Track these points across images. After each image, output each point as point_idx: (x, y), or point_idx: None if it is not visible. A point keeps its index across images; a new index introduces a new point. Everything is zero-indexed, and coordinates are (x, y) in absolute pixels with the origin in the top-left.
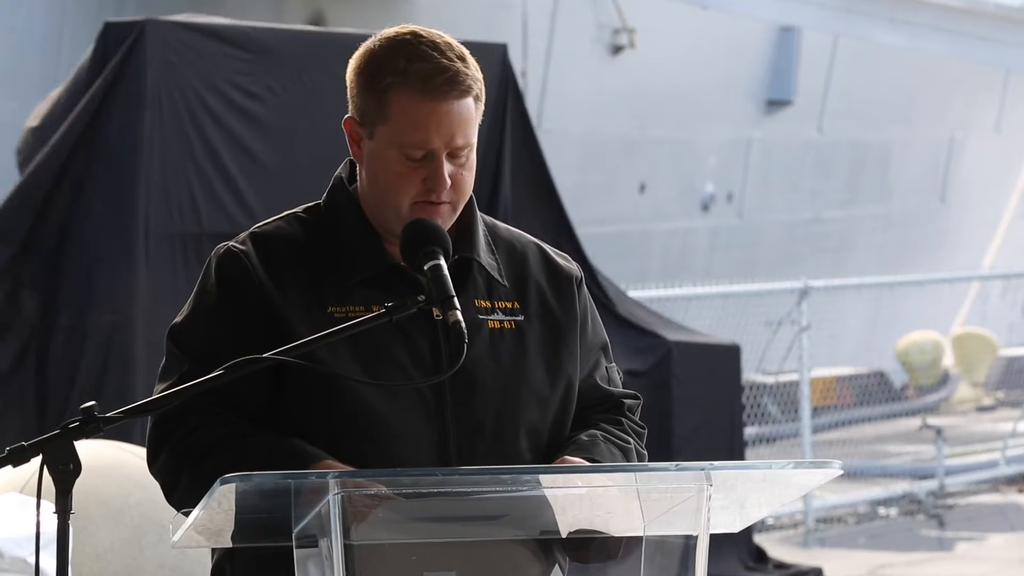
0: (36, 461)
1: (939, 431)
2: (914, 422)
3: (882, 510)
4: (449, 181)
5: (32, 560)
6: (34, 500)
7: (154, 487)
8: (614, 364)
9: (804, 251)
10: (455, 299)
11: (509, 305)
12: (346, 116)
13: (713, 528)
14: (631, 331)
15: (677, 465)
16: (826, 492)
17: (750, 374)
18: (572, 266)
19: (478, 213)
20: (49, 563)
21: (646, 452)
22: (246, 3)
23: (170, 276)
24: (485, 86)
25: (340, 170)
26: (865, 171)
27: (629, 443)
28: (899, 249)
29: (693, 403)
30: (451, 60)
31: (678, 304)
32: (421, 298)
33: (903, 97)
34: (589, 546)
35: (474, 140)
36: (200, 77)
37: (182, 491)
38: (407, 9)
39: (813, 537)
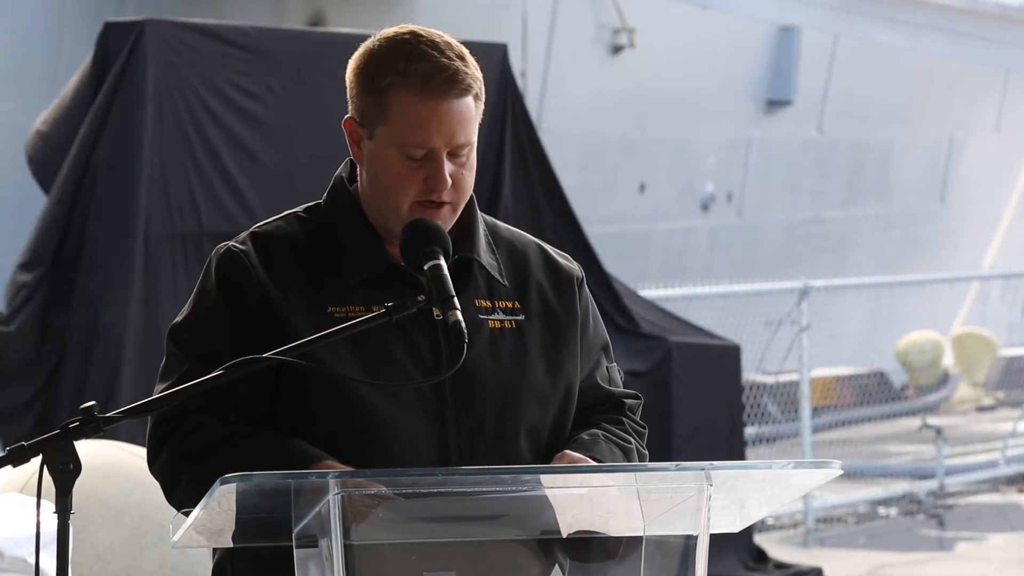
0: (36, 461)
1: (939, 431)
2: (914, 422)
3: (882, 510)
4: (450, 181)
5: (32, 560)
6: (34, 500)
7: (154, 487)
8: (615, 364)
9: (804, 251)
10: (455, 299)
11: (510, 305)
12: (346, 116)
13: (713, 528)
14: (632, 332)
15: (677, 465)
16: (826, 492)
17: (750, 374)
18: (573, 266)
19: (479, 213)
20: (49, 563)
21: (647, 452)
22: (246, 3)
23: (170, 276)
24: (485, 86)
25: (340, 170)
26: (865, 171)
27: (630, 443)
28: (899, 249)
29: (693, 403)
30: (451, 59)
31: (678, 304)
32: (421, 298)
33: (903, 97)
34: (589, 546)
35: (474, 139)
36: (200, 77)
37: (182, 491)
38: (407, 9)
39: (813, 537)
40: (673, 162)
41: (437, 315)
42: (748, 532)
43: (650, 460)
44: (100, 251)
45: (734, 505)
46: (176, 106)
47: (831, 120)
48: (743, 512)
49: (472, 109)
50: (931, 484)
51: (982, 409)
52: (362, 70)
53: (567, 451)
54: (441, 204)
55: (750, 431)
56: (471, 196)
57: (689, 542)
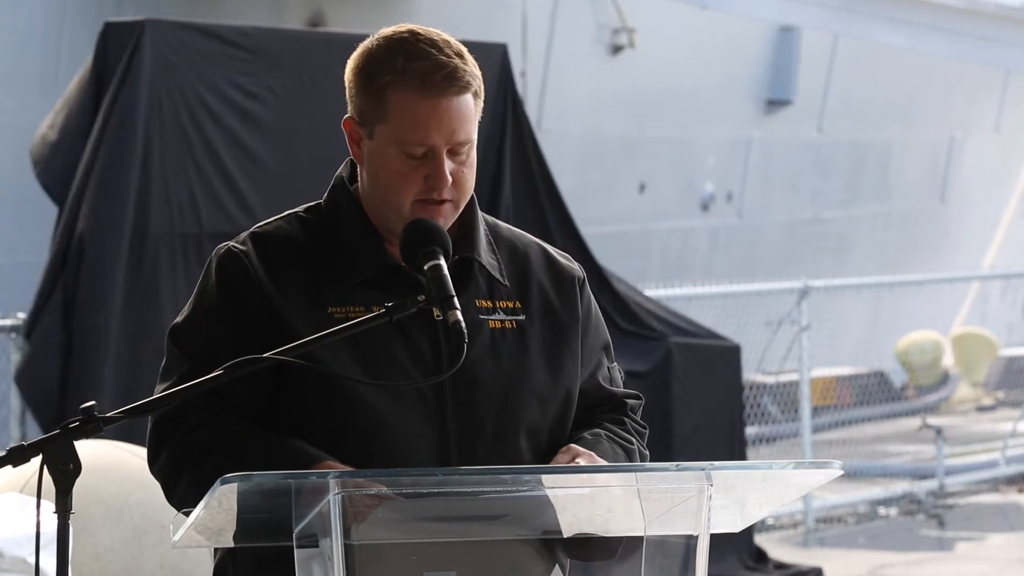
0: (36, 461)
1: (939, 431)
2: (914, 422)
3: (882, 510)
4: (450, 179)
5: (32, 560)
6: (34, 500)
7: (154, 487)
8: (615, 364)
9: (804, 251)
10: (455, 299)
11: (510, 305)
12: (345, 116)
13: (714, 528)
14: (632, 332)
15: (678, 465)
16: (826, 492)
17: (750, 374)
18: (574, 266)
19: (479, 212)
20: (49, 563)
21: (648, 452)
22: (246, 3)
23: (170, 276)
24: (484, 85)
25: (341, 170)
26: (865, 171)
27: (632, 443)
28: (899, 249)
29: (693, 403)
30: (449, 57)
31: (678, 304)
32: (421, 298)
33: (903, 97)
34: (590, 545)
35: (474, 137)
36: (200, 77)
37: (183, 491)
38: (406, 9)
39: (813, 537)
40: (673, 162)
41: (437, 315)
42: (748, 532)
43: (650, 460)
44: (100, 251)
45: (734, 505)
46: (176, 106)
47: (831, 120)
48: (743, 512)
49: (471, 107)
50: (931, 484)
51: (982, 409)
52: (361, 70)
53: (572, 444)
54: (442, 202)
55: (750, 431)
56: (472, 195)
57: (690, 542)
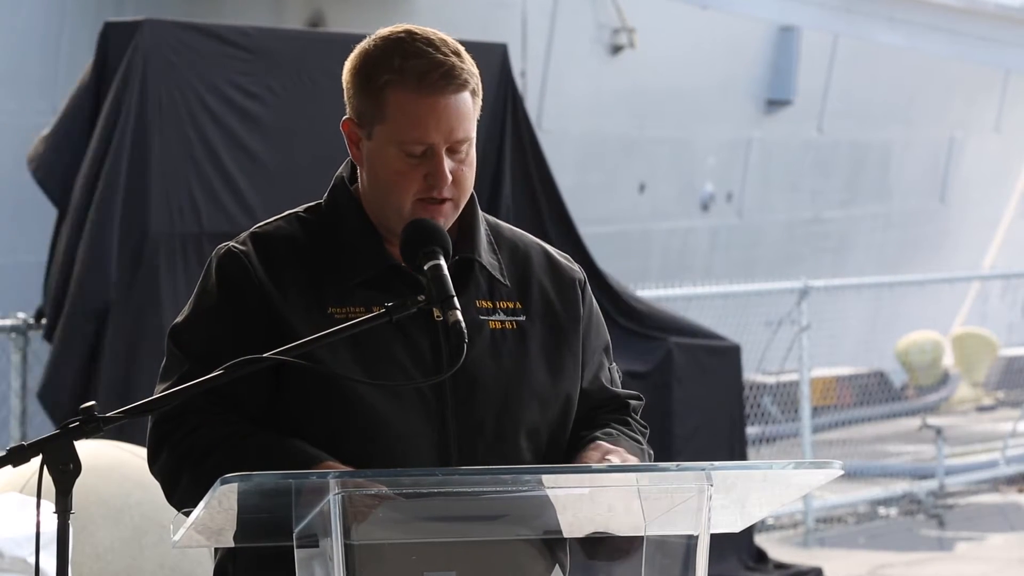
0: (36, 461)
1: (939, 431)
2: (914, 422)
3: (882, 510)
4: (450, 177)
5: (32, 560)
6: (34, 500)
7: (154, 487)
8: (615, 364)
9: (804, 251)
10: (455, 299)
11: (511, 305)
12: (344, 118)
13: (714, 528)
14: (632, 332)
15: (678, 465)
16: (826, 492)
17: (750, 374)
18: (575, 267)
19: (480, 212)
20: (49, 563)
21: (652, 452)
22: (246, 3)
23: (170, 276)
24: (484, 85)
25: (341, 170)
26: (865, 171)
27: (642, 443)
28: (899, 249)
29: (693, 403)
30: (446, 55)
31: (678, 304)
32: (421, 298)
33: (903, 97)
34: (602, 544)
35: (473, 135)
36: (200, 77)
37: (182, 491)
38: (406, 9)
39: (813, 537)
40: (673, 162)
41: (437, 315)
42: (748, 532)
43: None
44: (100, 251)
45: (734, 505)
46: (176, 106)
47: (831, 120)
48: (743, 512)
49: (470, 105)
50: (931, 484)
51: (982, 409)
52: (358, 70)
53: (600, 442)
54: (442, 201)
55: (750, 431)
56: (472, 195)
57: (690, 542)
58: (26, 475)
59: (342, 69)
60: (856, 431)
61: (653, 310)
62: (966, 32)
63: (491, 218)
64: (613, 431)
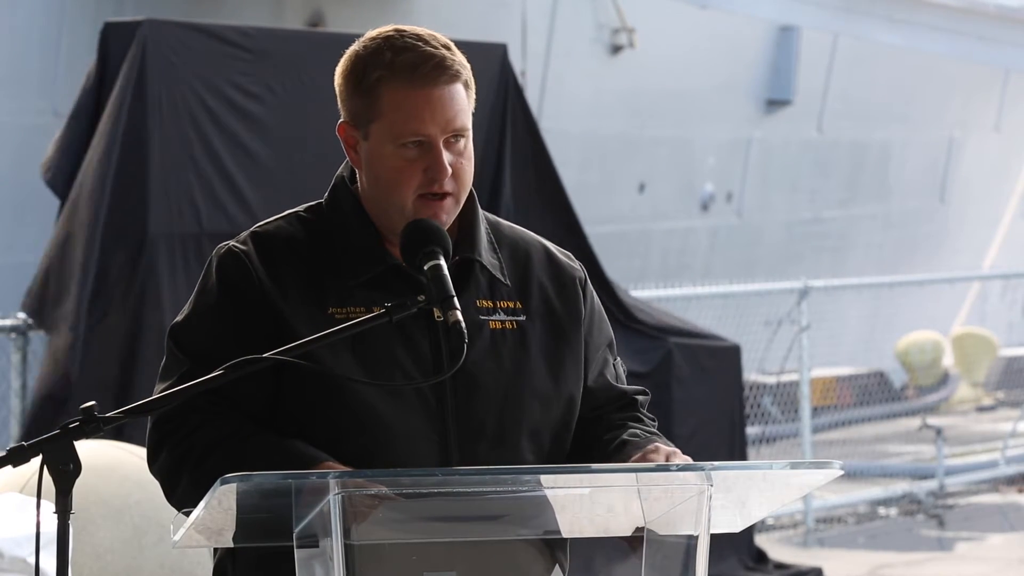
0: (36, 461)
1: (939, 431)
2: (914, 422)
3: (882, 510)
4: (450, 170)
5: (32, 560)
6: (34, 500)
7: (154, 487)
8: (619, 359)
9: (804, 251)
10: (455, 299)
11: (511, 305)
12: (339, 122)
13: (714, 528)
14: (632, 332)
15: (678, 465)
16: (826, 492)
17: (750, 374)
18: (576, 265)
19: (480, 211)
20: (49, 563)
21: None
22: (246, 3)
23: (170, 276)
24: (484, 86)
25: (341, 169)
26: (864, 171)
27: (662, 438)
28: (899, 249)
29: (693, 403)
30: (436, 48)
31: (678, 304)
32: (421, 298)
33: (902, 97)
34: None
35: (469, 126)
36: (200, 77)
37: (182, 491)
38: (406, 9)
39: (813, 537)
40: (672, 162)
41: (438, 316)
42: (748, 532)
43: None
44: (100, 251)
45: (734, 505)
46: (176, 106)
47: (830, 120)
48: (743, 512)
49: (463, 96)
50: (931, 484)
51: (982, 409)
52: (350, 72)
53: (660, 445)
54: (444, 196)
55: (750, 431)
56: (472, 193)
57: (690, 542)
58: (26, 475)
59: None
60: (856, 431)
61: (653, 313)
62: (966, 32)
63: (491, 216)
64: (639, 431)
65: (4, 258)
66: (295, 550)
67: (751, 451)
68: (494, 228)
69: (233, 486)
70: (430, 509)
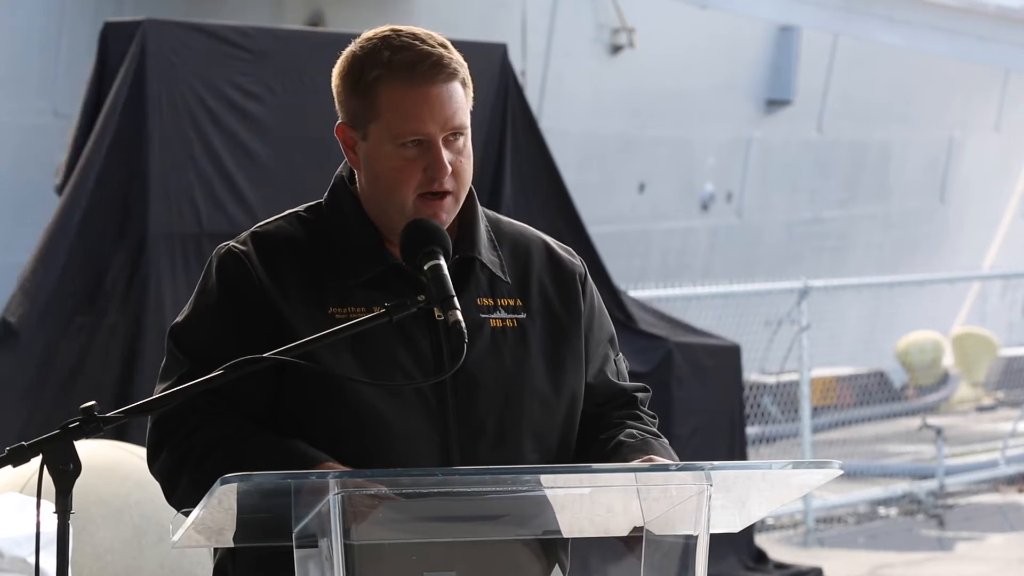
0: (36, 461)
1: (939, 431)
2: (914, 422)
3: (882, 510)
4: (449, 168)
5: (32, 560)
6: (34, 500)
7: (154, 487)
8: (621, 355)
9: (804, 251)
10: (455, 299)
11: (512, 303)
12: (337, 123)
13: (713, 528)
14: (632, 332)
15: (677, 465)
16: (826, 492)
17: (750, 374)
18: (576, 260)
19: (480, 208)
20: (49, 563)
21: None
22: (246, 3)
23: (170, 276)
24: (484, 86)
25: (341, 169)
26: (864, 171)
27: (662, 438)
28: (899, 249)
29: (693, 403)
30: (433, 47)
31: (678, 304)
32: (421, 298)
33: (902, 97)
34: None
35: (468, 124)
36: (200, 77)
37: (182, 491)
38: (405, 9)
39: (813, 537)
40: (672, 162)
41: (438, 315)
42: (748, 532)
43: None
44: (100, 251)
45: (734, 505)
46: (176, 106)
47: (830, 120)
48: (743, 512)
49: (461, 94)
50: (931, 484)
51: (982, 409)
52: (347, 73)
53: (654, 457)
54: (444, 195)
55: (750, 431)
56: (472, 191)
57: (689, 542)
58: (26, 475)
59: None
60: (856, 431)
61: (652, 316)
62: (966, 32)
63: (491, 213)
64: (636, 432)
65: (4, 258)
66: (294, 550)
67: (751, 451)
68: (494, 225)
69: (233, 486)
70: (430, 509)
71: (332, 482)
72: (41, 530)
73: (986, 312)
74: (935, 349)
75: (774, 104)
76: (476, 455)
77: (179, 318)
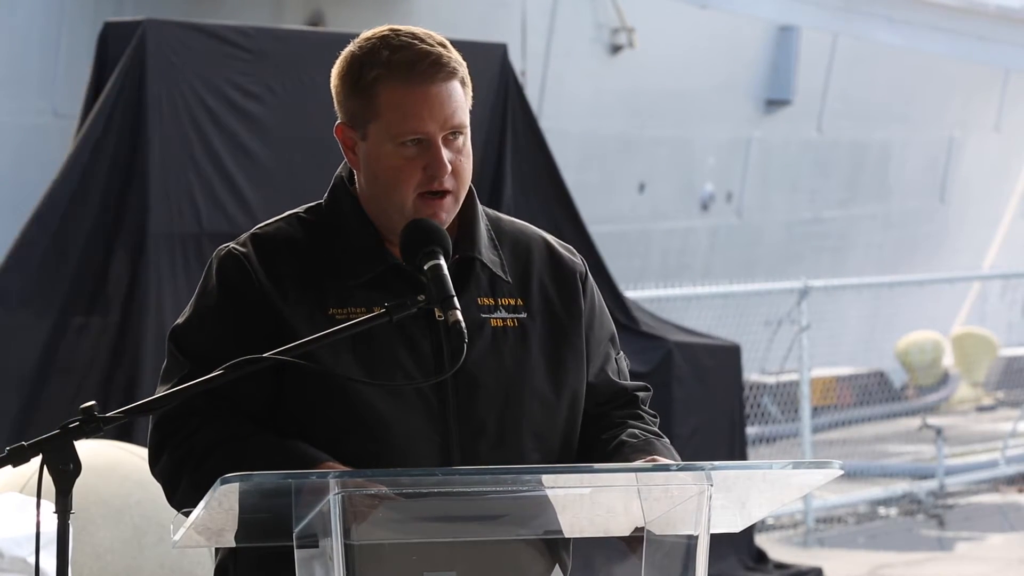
0: (36, 461)
1: (939, 431)
2: (914, 422)
3: (882, 510)
4: (449, 167)
5: (32, 560)
6: (34, 500)
7: (154, 487)
8: (622, 353)
9: (803, 251)
10: (455, 299)
11: (512, 302)
12: (336, 124)
13: (714, 528)
14: (632, 332)
15: (678, 465)
16: (826, 492)
17: (750, 374)
18: (576, 259)
19: (480, 207)
20: (49, 563)
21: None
22: (245, 3)
23: (170, 276)
24: (484, 86)
25: (340, 170)
26: (864, 171)
27: (663, 437)
28: (899, 249)
29: (693, 403)
30: (432, 46)
31: (678, 304)
32: (421, 298)
33: (902, 96)
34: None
35: (467, 123)
36: (200, 77)
37: (183, 493)
38: (405, 9)
39: (813, 537)
40: (672, 162)
41: (439, 316)
42: (748, 532)
43: None
44: (99, 251)
45: (734, 505)
46: (176, 106)
47: (830, 120)
48: (743, 512)
49: (461, 93)
50: (931, 484)
51: (982, 409)
52: (346, 73)
53: (657, 458)
54: (444, 194)
55: (750, 431)
56: (472, 190)
57: (690, 542)
58: (26, 475)
59: None
60: (856, 431)
61: (651, 318)
62: (966, 32)
63: (491, 211)
64: (638, 432)
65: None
66: (295, 550)
67: (751, 451)
68: (494, 224)
69: (233, 486)
70: (430, 509)
71: (332, 482)
72: (41, 530)
73: (986, 312)
74: (935, 349)
75: (774, 104)
76: (477, 455)
77: (180, 320)
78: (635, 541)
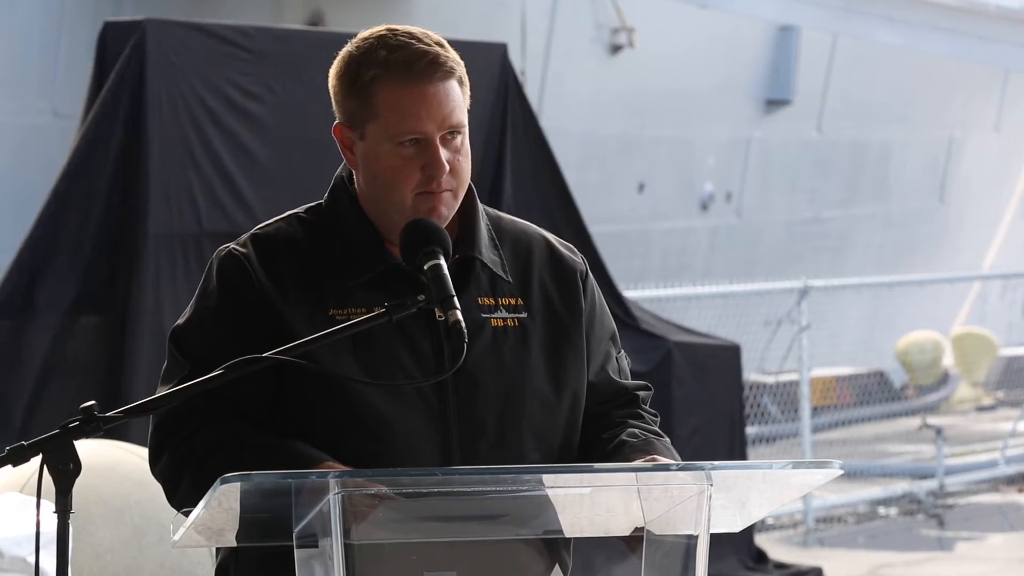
0: (36, 461)
1: (939, 431)
2: (914, 422)
3: (882, 510)
4: (447, 167)
5: (32, 560)
6: (34, 500)
7: (154, 487)
8: (623, 352)
9: (803, 251)
10: (455, 299)
11: (513, 302)
12: (334, 124)
13: (714, 528)
14: (633, 331)
15: (678, 465)
16: (826, 492)
17: (750, 374)
18: (577, 257)
19: (480, 207)
20: (49, 563)
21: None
22: (245, 3)
23: (170, 276)
24: (484, 86)
25: (340, 170)
26: (864, 171)
27: (664, 437)
28: (899, 249)
29: (693, 403)
30: (429, 45)
31: (677, 304)
32: (421, 298)
33: (902, 96)
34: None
35: (465, 123)
36: (200, 77)
37: (183, 493)
38: (405, 9)
39: (813, 537)
40: (672, 162)
41: (439, 316)
42: (748, 532)
43: None
44: (99, 251)
45: (734, 505)
46: (176, 106)
47: (830, 120)
48: (743, 512)
49: (459, 93)
50: (931, 484)
51: (982, 409)
52: (344, 73)
53: (657, 457)
54: (442, 191)
55: (750, 431)
56: (472, 189)
57: (690, 542)
58: (26, 475)
59: None
60: (856, 431)
61: (650, 318)
62: (966, 32)
63: (492, 210)
64: (638, 431)
65: (4, 258)
66: (295, 550)
67: (751, 451)
68: (495, 223)
69: (234, 486)
70: (430, 509)
71: (332, 482)
72: (41, 530)
73: (986, 312)
74: (935, 349)
75: (774, 104)
76: (477, 455)
77: (180, 321)
78: (635, 541)
